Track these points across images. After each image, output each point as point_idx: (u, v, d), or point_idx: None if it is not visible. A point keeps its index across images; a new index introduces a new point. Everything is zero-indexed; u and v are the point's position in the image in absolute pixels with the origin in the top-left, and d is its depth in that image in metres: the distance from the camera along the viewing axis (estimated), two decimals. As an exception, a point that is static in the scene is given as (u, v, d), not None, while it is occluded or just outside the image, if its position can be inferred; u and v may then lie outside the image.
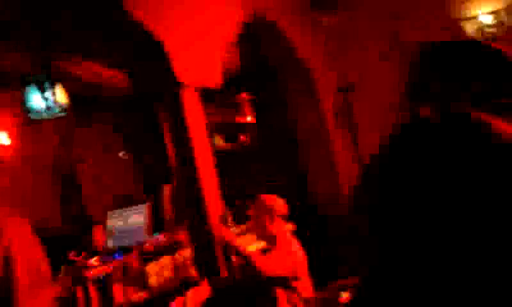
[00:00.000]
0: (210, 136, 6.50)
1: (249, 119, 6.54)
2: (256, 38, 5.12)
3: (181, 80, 3.49)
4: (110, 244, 4.18)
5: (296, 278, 3.35)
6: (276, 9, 4.90)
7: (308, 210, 5.33)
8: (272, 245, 3.53)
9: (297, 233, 3.71)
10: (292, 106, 5.74)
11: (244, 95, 6.41)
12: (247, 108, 6.48)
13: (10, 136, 5.52)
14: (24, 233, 1.93)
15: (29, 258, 1.87)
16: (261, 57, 5.47)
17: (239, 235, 4.46)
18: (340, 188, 5.43)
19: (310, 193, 5.64)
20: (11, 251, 1.82)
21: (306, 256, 3.51)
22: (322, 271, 3.72)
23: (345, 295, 2.99)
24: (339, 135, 5.52)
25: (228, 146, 6.65)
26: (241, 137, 6.70)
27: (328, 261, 4.82)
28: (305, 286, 3.42)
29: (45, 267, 1.95)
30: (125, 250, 3.78)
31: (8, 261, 1.80)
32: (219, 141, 6.72)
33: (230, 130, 6.68)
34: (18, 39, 4.26)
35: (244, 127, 6.64)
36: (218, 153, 6.27)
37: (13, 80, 4.65)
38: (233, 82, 5.60)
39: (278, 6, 4.94)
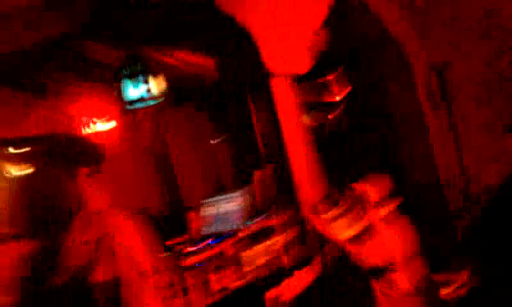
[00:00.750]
0: (301, 117, 6.44)
1: (339, 98, 6.42)
2: (346, 16, 4.97)
3: (270, 69, 3.47)
4: (205, 230, 4.28)
5: (394, 268, 3.24)
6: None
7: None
8: (367, 233, 3.43)
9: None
10: (384, 84, 5.55)
11: (334, 74, 6.27)
12: (337, 87, 6.35)
13: (110, 125, 5.78)
14: (129, 231, 2.02)
15: (134, 255, 1.95)
16: (351, 35, 5.31)
17: (332, 219, 4.40)
18: (435, 174, 5.19)
19: (403, 179, 5.44)
20: (118, 251, 1.91)
21: (410, 245, 3.36)
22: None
23: (445, 291, 2.87)
24: (434, 115, 5.28)
25: (318, 125, 6.59)
26: (332, 116, 6.60)
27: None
28: (404, 277, 3.30)
29: (148, 262, 2.03)
30: (220, 237, 3.86)
31: (115, 260, 1.89)
32: (309, 121, 6.67)
33: (320, 110, 6.61)
34: (111, 33, 4.44)
35: (335, 106, 6.53)
36: (309, 134, 6.24)
37: (110, 72, 4.86)
38: (323, 61, 5.50)
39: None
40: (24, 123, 5.35)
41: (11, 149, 5.40)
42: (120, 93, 4.49)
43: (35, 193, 1.98)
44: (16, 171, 5.35)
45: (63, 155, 3.13)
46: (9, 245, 2.02)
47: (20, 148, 5.44)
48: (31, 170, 2.21)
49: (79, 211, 2.00)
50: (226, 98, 6.70)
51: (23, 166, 5.31)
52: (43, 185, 2.01)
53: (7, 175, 5.34)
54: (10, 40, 3.96)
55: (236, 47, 3.62)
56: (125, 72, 4.48)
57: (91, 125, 5.65)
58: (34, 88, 5.45)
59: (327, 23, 4.28)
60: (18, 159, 5.41)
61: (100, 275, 1.85)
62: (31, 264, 1.94)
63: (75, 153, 3.15)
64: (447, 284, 2.95)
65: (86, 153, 3.19)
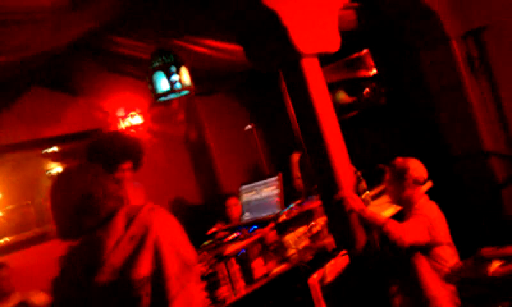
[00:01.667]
0: (333, 93, 6.36)
1: (370, 73, 6.33)
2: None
3: (300, 50, 3.41)
4: (245, 217, 4.30)
5: (436, 244, 3.20)
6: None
7: (442, 169, 5.03)
8: (408, 210, 3.40)
9: (435, 196, 3.53)
10: (417, 55, 5.41)
11: (364, 51, 6.18)
12: (368, 63, 6.25)
13: (143, 117, 5.87)
14: (169, 225, 2.03)
15: (176, 248, 1.97)
16: (380, 7, 5.19)
17: (373, 197, 4.35)
18: (479, 143, 5.05)
19: (444, 149, 5.32)
20: (160, 245, 1.93)
21: (445, 221, 3.34)
22: (463, 237, 3.52)
23: (495, 265, 2.79)
24: (475, 83, 5.11)
25: (351, 101, 6.52)
26: (364, 92, 6.51)
27: (467, 226, 4.56)
28: (449, 253, 3.27)
29: (190, 254, 2.04)
30: (260, 222, 3.86)
31: (158, 255, 1.91)
32: (342, 97, 6.61)
33: (352, 86, 6.53)
34: (141, 27, 4.46)
35: (367, 82, 6.44)
36: (342, 111, 6.17)
37: (142, 66, 4.90)
38: (353, 37, 5.39)
39: None
40: (62, 120, 5.48)
41: (54, 148, 5.54)
42: (152, 85, 4.51)
43: (77, 190, 2.00)
44: (58, 168, 5.49)
45: (104, 151, 3.18)
46: (51, 243, 2.06)
47: (62, 145, 5.58)
48: (73, 167, 2.24)
49: (121, 207, 2.02)
50: (258, 83, 6.68)
51: (65, 163, 5.45)
52: (85, 182, 2.03)
53: (50, 173, 5.49)
54: (41, 42, 4.02)
55: (264, 31, 3.56)
56: (157, 64, 4.49)
57: (126, 119, 5.74)
58: (69, 87, 5.56)
59: (353, 1, 4.17)
60: (60, 157, 5.55)
61: (143, 270, 1.87)
62: (74, 262, 1.97)
63: (116, 149, 3.19)
64: (495, 258, 2.88)
65: (126, 148, 3.22)
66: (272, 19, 3.38)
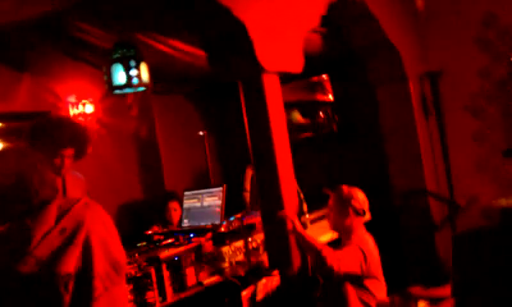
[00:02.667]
0: (288, 113, 6.43)
1: (327, 99, 6.41)
2: (341, 18, 4.93)
3: (262, 65, 3.43)
4: (185, 223, 4.24)
5: (367, 277, 3.24)
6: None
7: (384, 203, 5.14)
8: (345, 239, 3.44)
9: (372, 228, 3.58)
10: (376, 90, 5.53)
11: (324, 76, 6.27)
12: (326, 88, 6.34)
13: (95, 107, 5.72)
14: (102, 223, 1.97)
15: (106, 248, 1.91)
16: (346, 38, 5.27)
17: (312, 221, 4.38)
18: (421, 182, 5.20)
19: (388, 183, 5.44)
20: (90, 243, 1.86)
21: (378, 255, 3.40)
22: (392, 272, 3.59)
23: (421, 305, 2.85)
24: (425, 123, 5.28)
25: (305, 123, 6.60)
26: (318, 116, 6.60)
27: (399, 262, 4.68)
28: (379, 287, 3.31)
29: (119, 255, 1.98)
30: (199, 231, 3.81)
31: (86, 252, 1.85)
32: (296, 117, 6.67)
33: (307, 109, 6.61)
34: (105, 15, 4.36)
35: (323, 107, 6.52)
36: (294, 131, 6.21)
37: (100, 55, 4.78)
38: (315, 61, 5.46)
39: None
40: (10, 97, 5.26)
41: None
42: (109, 76, 4.40)
43: (11, 173, 1.89)
44: (-2, 146, 5.26)
45: (47, 133, 3.05)
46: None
47: (6, 122, 5.35)
48: (10, 148, 2.14)
49: (55, 198, 1.93)
50: (217, 91, 6.65)
51: (7, 142, 5.22)
52: (21, 165, 1.93)
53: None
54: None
55: (230, 42, 3.56)
56: (117, 56, 4.38)
57: (77, 105, 5.59)
58: (22, 64, 5.36)
59: (322, 24, 4.24)
60: (3, 134, 5.32)
61: (68, 266, 1.79)
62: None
63: (59, 134, 3.07)
64: (421, 298, 2.94)
65: (70, 134, 3.10)
66: (239, 30, 3.38)
